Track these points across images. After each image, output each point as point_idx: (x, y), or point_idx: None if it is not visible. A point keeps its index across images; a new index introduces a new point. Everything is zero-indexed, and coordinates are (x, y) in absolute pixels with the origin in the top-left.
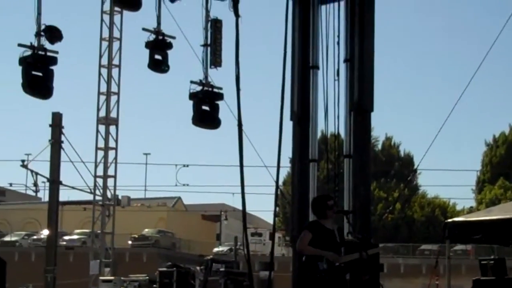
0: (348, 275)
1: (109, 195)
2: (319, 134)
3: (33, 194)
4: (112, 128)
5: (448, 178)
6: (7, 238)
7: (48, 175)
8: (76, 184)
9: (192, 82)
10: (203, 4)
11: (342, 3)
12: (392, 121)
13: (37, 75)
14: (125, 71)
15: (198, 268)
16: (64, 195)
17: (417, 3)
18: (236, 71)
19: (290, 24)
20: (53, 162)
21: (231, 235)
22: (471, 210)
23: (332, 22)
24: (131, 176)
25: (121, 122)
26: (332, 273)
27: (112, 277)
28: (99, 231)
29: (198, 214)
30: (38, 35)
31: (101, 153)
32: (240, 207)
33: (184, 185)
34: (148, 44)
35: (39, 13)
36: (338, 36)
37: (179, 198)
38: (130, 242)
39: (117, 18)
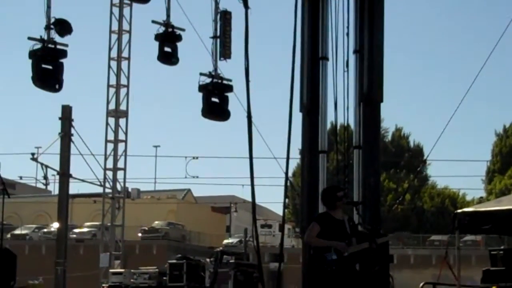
0: (357, 266)
1: (119, 187)
2: (328, 126)
3: (43, 187)
4: (122, 121)
5: (458, 168)
6: (17, 231)
7: (58, 168)
8: (86, 177)
9: (201, 74)
10: None
11: None
12: (402, 112)
13: (47, 68)
14: (135, 63)
15: (208, 260)
16: (74, 188)
17: None
18: (246, 63)
19: (299, 15)
20: (63, 155)
21: (241, 227)
22: (481, 201)
23: (341, 13)
24: (141, 168)
25: (130, 115)
26: (341, 263)
27: (122, 270)
28: (109, 224)
29: (208, 206)
30: (47, 28)
31: (110, 146)
32: (249, 199)
33: (193, 177)
34: (157, 37)
35: (48, 6)
36: (348, 27)
37: (189, 190)
38: (140, 234)
39: (126, 10)
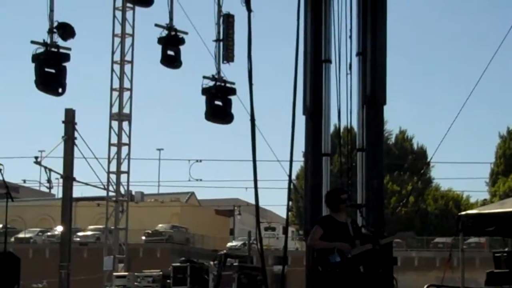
0: (361, 268)
1: (122, 191)
2: (332, 128)
3: (47, 190)
4: (125, 124)
5: (462, 170)
6: (21, 235)
7: (61, 172)
8: (90, 180)
9: (204, 77)
10: None
11: None
12: (405, 114)
13: (50, 72)
14: (138, 67)
15: (211, 263)
16: (78, 191)
17: None
18: (249, 66)
19: (302, 18)
20: (67, 158)
21: (244, 229)
22: (484, 203)
23: (344, 16)
24: (145, 171)
25: (134, 118)
26: (344, 265)
27: (126, 273)
28: (112, 227)
29: (211, 209)
30: (50, 32)
31: (114, 149)
32: (253, 202)
33: (197, 180)
34: (160, 40)
35: (51, 10)
36: (351, 30)
37: (193, 193)
38: (144, 237)
39: (129, 14)
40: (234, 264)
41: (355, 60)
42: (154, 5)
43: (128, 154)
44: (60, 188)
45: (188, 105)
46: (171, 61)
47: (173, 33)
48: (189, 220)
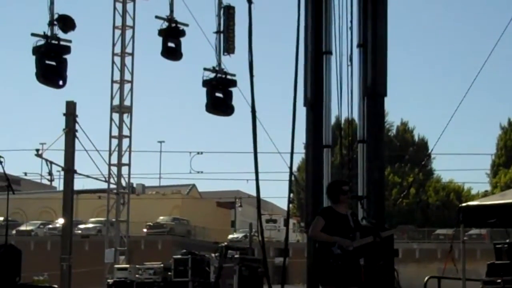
0: (362, 260)
1: (123, 183)
2: (333, 120)
3: (48, 183)
4: (126, 116)
5: (463, 162)
6: (22, 228)
7: (62, 164)
8: (91, 172)
9: (205, 69)
10: None
11: None
12: (406, 106)
13: (51, 64)
14: (139, 59)
15: (213, 255)
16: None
17: None
18: (249, 58)
19: (302, 9)
20: (68, 151)
21: (246, 221)
22: (486, 194)
23: (345, 7)
24: (146, 164)
25: (135, 110)
26: (345, 258)
27: (127, 265)
28: (114, 220)
29: (212, 201)
30: (51, 24)
31: (115, 142)
32: (254, 194)
33: (198, 172)
34: (161, 32)
35: (51, 3)
36: (351, 21)
37: (194, 185)
38: (145, 230)
39: (130, 6)
40: (235, 256)
41: (355, 52)
42: None
43: (129, 146)
44: (61, 181)
45: (189, 97)
46: (172, 53)
47: (173, 25)
48: (191, 212)
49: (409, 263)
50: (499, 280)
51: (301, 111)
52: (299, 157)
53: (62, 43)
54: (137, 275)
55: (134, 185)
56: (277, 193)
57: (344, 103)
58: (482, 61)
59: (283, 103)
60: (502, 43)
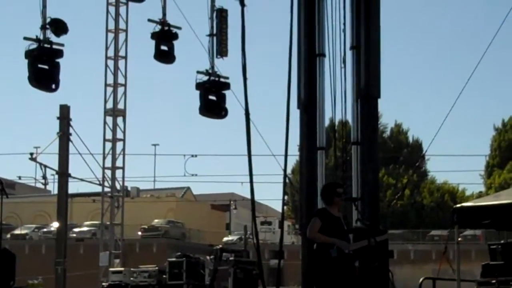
0: (357, 263)
1: (118, 186)
2: (327, 122)
3: (42, 187)
4: (120, 120)
5: (457, 163)
6: (17, 231)
7: (57, 168)
8: (85, 176)
9: (198, 72)
10: None
11: None
12: (401, 108)
13: (43, 68)
14: (132, 62)
15: (207, 257)
16: (73, 187)
17: None
18: (243, 60)
19: (295, 12)
20: (62, 154)
21: (240, 224)
22: (480, 195)
23: (337, 9)
24: (140, 167)
25: (128, 114)
26: (342, 260)
27: (122, 268)
28: (108, 223)
29: (207, 204)
30: (43, 28)
31: (109, 145)
32: (249, 196)
33: (192, 175)
34: (154, 35)
35: (44, 6)
36: (344, 23)
37: (188, 188)
38: (140, 233)
39: (122, 9)
40: (230, 258)
41: (349, 54)
42: (147, 0)
43: (123, 149)
44: (56, 184)
45: (183, 100)
46: (165, 56)
47: (166, 28)
48: (185, 215)
49: (404, 265)
50: (493, 281)
51: (295, 114)
52: (293, 159)
53: (54, 46)
54: (131, 278)
55: (129, 188)
56: (272, 195)
57: (337, 105)
58: (476, 62)
59: (277, 105)
60: (495, 44)
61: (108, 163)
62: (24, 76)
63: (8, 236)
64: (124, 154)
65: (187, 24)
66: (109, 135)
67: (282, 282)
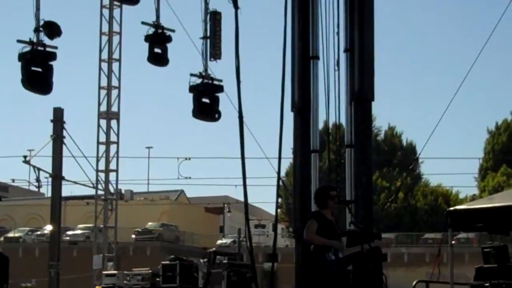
0: (350, 266)
1: (111, 189)
2: (321, 125)
3: (36, 189)
4: (114, 122)
5: (451, 166)
6: (10, 234)
7: (50, 171)
8: (79, 179)
9: (192, 74)
10: None
11: None
12: (394, 111)
13: (37, 70)
14: (126, 65)
15: (201, 260)
16: (67, 190)
17: None
18: (236, 63)
19: (289, 14)
20: (55, 157)
21: (234, 227)
22: (474, 198)
23: (331, 12)
24: (134, 170)
25: (122, 116)
26: (339, 264)
27: (115, 271)
28: (102, 226)
29: (201, 207)
30: (37, 30)
31: (102, 148)
32: (243, 199)
33: (186, 178)
34: (147, 38)
35: (37, 9)
36: (338, 26)
37: (182, 191)
38: (133, 236)
39: (116, 12)
40: (224, 261)
41: (342, 57)
42: (141, 3)
43: (117, 152)
44: (49, 187)
45: (176, 103)
46: (158, 59)
47: (160, 30)
48: (179, 218)
49: (397, 268)
50: (487, 284)
51: (289, 116)
52: (287, 162)
53: (48, 49)
54: (125, 281)
55: (122, 191)
56: (266, 198)
57: (331, 108)
58: (469, 65)
59: (271, 108)
60: (489, 47)
61: (102, 166)
62: (18, 79)
63: (2, 239)
64: (117, 157)
65: (180, 27)
66: (102, 138)
67: (276, 285)
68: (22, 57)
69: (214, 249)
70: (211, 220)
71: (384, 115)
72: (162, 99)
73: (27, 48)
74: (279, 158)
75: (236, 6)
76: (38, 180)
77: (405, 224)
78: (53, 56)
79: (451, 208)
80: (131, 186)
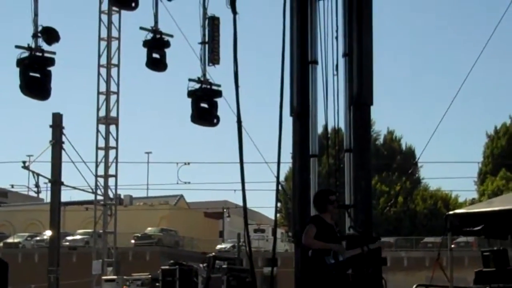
0: (350, 269)
1: (110, 194)
2: (320, 129)
3: (35, 195)
4: (112, 128)
5: (450, 170)
6: (10, 240)
7: (49, 176)
8: (78, 184)
9: (190, 80)
10: (201, 1)
11: None
12: (394, 115)
13: (35, 76)
14: (124, 70)
15: (201, 265)
16: (66, 195)
17: None
18: (235, 68)
19: (288, 19)
20: (55, 162)
21: (234, 232)
22: (473, 202)
23: (330, 17)
24: (133, 175)
25: (121, 121)
26: (338, 267)
27: (114, 276)
28: (101, 231)
29: (200, 212)
30: (35, 36)
31: (101, 153)
32: (242, 204)
33: (185, 183)
34: (145, 43)
35: (36, 14)
36: (337, 31)
37: (181, 196)
38: (133, 241)
39: (115, 17)
40: (223, 266)
41: (341, 61)
42: (140, 8)
43: (116, 157)
44: (49, 193)
45: (175, 108)
46: (156, 64)
47: (158, 36)
48: (178, 223)
49: (397, 272)
50: None
51: (288, 121)
52: (286, 167)
53: (46, 55)
54: (124, 286)
55: (122, 196)
56: (265, 203)
57: (330, 112)
58: (468, 69)
59: (270, 113)
60: (488, 51)
61: (101, 171)
62: (16, 85)
63: (1, 244)
64: (117, 162)
65: (179, 32)
66: (101, 143)
67: None
68: (20, 62)
69: (213, 254)
70: (211, 225)
71: (383, 119)
72: (161, 104)
73: (26, 54)
74: (278, 162)
75: (234, 11)
76: (37, 185)
77: (404, 228)
78: (51, 62)
79: (451, 212)
80: (130, 191)
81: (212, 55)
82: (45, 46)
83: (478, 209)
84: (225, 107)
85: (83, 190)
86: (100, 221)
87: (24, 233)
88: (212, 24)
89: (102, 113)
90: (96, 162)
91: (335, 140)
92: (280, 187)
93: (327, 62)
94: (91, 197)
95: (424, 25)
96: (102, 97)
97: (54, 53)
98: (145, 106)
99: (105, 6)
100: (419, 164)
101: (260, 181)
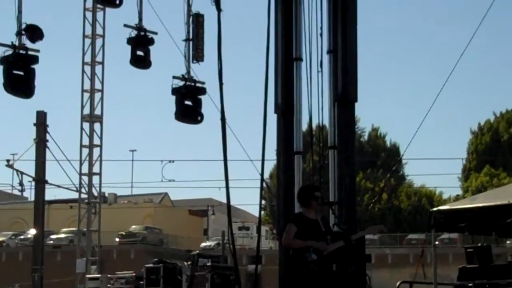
0: (334, 266)
1: (95, 192)
2: (304, 126)
3: (19, 193)
4: (97, 126)
5: (435, 167)
6: None
7: (33, 174)
8: (62, 182)
9: (174, 77)
10: None
11: None
12: (378, 112)
13: (19, 74)
14: (109, 68)
15: (185, 263)
16: (50, 194)
17: None
18: (219, 65)
19: (272, 16)
20: (39, 161)
21: (218, 229)
22: (457, 199)
23: (314, 14)
24: (117, 173)
25: (105, 119)
26: (320, 263)
27: (98, 275)
28: (85, 229)
29: (185, 210)
30: (19, 34)
31: (86, 151)
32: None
33: (170, 180)
34: (130, 40)
35: (19, 12)
36: (321, 28)
37: (166, 194)
38: (117, 239)
39: (99, 15)
40: (207, 264)
41: (326, 58)
42: (124, 6)
43: (100, 155)
44: (33, 191)
45: (159, 106)
46: (140, 61)
47: (142, 33)
48: (163, 221)
49: (381, 268)
50: (470, 284)
51: (272, 118)
52: (271, 164)
53: (30, 53)
54: (108, 285)
55: (106, 195)
56: (250, 201)
57: (314, 110)
58: (452, 65)
59: (254, 110)
60: (472, 48)
61: (85, 169)
62: (0, 83)
63: None
64: (101, 160)
65: (163, 29)
66: (86, 141)
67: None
68: (4, 60)
69: (197, 251)
70: (195, 223)
71: (368, 116)
72: (145, 101)
73: (9, 52)
74: (263, 160)
75: (218, 9)
76: (21, 184)
77: (388, 225)
78: (35, 60)
79: (435, 209)
80: (114, 189)
81: (196, 52)
82: (29, 44)
83: (462, 206)
84: (209, 105)
85: (67, 188)
86: (84, 219)
87: (8, 232)
88: (196, 21)
89: (87, 111)
90: (80, 160)
91: (320, 137)
92: (264, 185)
93: (311, 59)
94: (75, 195)
95: (409, 21)
96: (86, 95)
97: (38, 50)
98: (129, 103)
99: (89, 4)
100: (403, 161)
101: (245, 178)
